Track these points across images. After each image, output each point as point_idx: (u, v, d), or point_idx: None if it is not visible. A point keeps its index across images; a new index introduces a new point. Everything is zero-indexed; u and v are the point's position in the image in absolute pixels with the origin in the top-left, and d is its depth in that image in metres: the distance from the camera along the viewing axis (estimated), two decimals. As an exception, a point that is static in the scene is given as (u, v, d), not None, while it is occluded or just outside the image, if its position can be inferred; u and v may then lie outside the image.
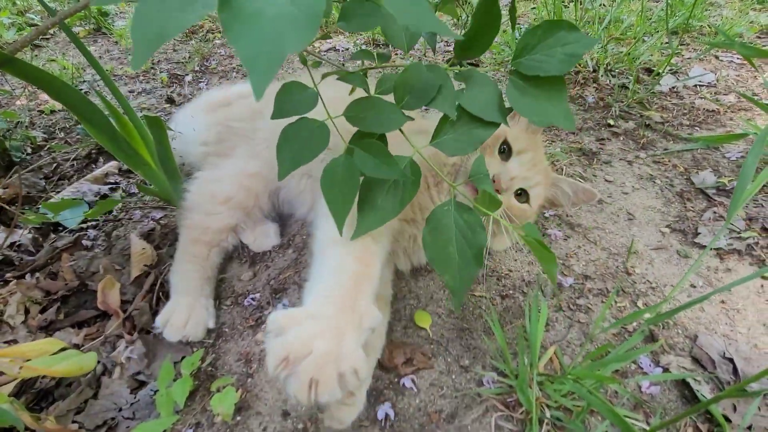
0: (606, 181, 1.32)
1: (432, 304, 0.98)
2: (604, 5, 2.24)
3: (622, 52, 1.94)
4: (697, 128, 1.51)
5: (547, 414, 0.72)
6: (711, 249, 1.01)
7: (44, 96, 2.26)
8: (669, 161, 1.38)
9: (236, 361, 0.96)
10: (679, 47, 2.02)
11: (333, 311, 0.65)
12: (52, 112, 2.10)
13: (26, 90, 2.32)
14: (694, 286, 0.99)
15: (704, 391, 0.76)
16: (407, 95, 0.78)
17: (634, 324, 0.90)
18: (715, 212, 1.15)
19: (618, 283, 0.99)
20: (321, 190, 0.72)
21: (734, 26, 2.07)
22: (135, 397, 0.91)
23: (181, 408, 0.85)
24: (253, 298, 1.10)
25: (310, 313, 0.64)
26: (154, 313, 1.03)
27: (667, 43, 1.94)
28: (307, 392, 0.57)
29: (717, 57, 1.98)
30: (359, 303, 0.69)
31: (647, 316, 0.91)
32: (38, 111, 2.15)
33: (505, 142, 0.95)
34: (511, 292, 0.99)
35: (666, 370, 0.80)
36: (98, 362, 0.96)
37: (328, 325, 0.62)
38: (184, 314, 1.00)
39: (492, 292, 0.99)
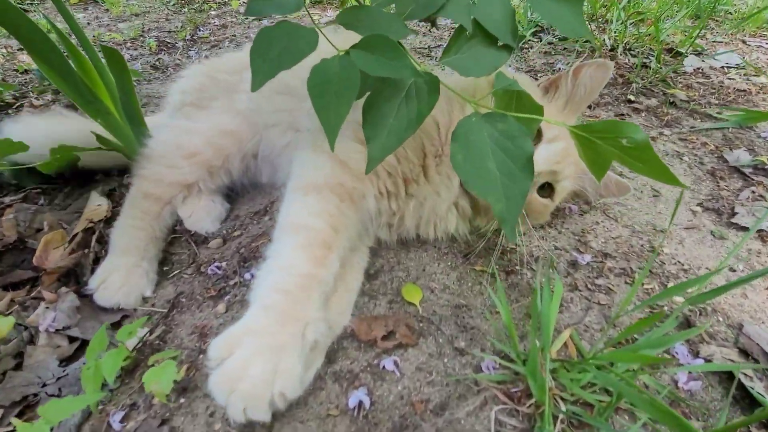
0: (627, 155, 1.17)
1: (424, 278, 0.83)
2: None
3: (641, 32, 1.79)
4: (726, 107, 1.36)
5: (562, 408, 0.57)
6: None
7: (23, 56, 2.12)
8: (697, 139, 1.23)
9: (189, 334, 0.81)
10: (704, 30, 1.88)
11: (274, 324, 0.61)
12: (26, 71, 1.95)
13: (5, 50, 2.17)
14: (734, 270, 0.84)
15: (759, 388, 0.61)
16: (412, 3, 0.64)
17: (666, 308, 0.74)
18: (753, 191, 1.00)
19: (646, 263, 0.84)
20: (309, 94, 0.58)
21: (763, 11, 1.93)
22: (64, 371, 0.76)
23: (112, 385, 0.70)
24: (218, 266, 0.95)
25: (248, 329, 0.61)
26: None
27: (693, 22, 1.79)
28: (241, 415, 0.56)
29: (744, 41, 1.84)
30: (305, 312, 0.63)
31: (679, 300, 0.76)
32: (13, 70, 2.01)
33: None
34: (517, 267, 0.84)
35: (708, 361, 0.65)
36: (25, 328, 0.81)
37: (266, 343, 0.59)
38: (121, 276, 0.85)
39: (495, 267, 0.84)
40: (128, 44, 2.39)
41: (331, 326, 0.69)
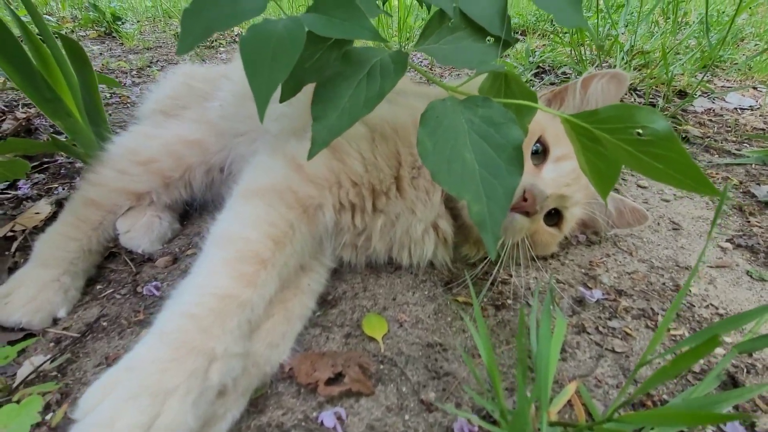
0: (639, 186, 1.03)
1: (393, 308, 0.67)
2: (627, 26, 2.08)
3: (645, 74, 1.73)
4: (746, 144, 1.24)
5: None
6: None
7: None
8: (717, 174, 1.10)
9: (96, 366, 0.64)
10: (711, 75, 1.82)
11: (166, 358, 0.45)
12: (13, 88, 1.93)
13: None
14: (783, 319, 0.67)
15: None
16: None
17: (702, 362, 0.57)
18: (792, 230, 0.85)
19: (673, 304, 0.67)
20: (240, 56, 0.46)
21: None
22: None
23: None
24: (156, 287, 0.80)
25: (131, 365, 0.46)
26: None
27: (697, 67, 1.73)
28: None
29: (755, 87, 1.77)
30: (212, 344, 0.48)
31: (720, 352, 0.59)
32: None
33: (541, 141, 0.69)
34: (509, 302, 0.68)
35: (768, 439, 0.47)
36: None
37: (147, 385, 0.43)
38: (31, 291, 0.71)
39: (483, 299, 0.68)
40: (134, 72, 2.41)
41: (257, 363, 0.53)
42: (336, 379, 0.54)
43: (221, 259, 0.55)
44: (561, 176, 0.67)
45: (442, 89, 0.55)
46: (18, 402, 0.50)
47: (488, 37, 0.60)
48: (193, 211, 1.05)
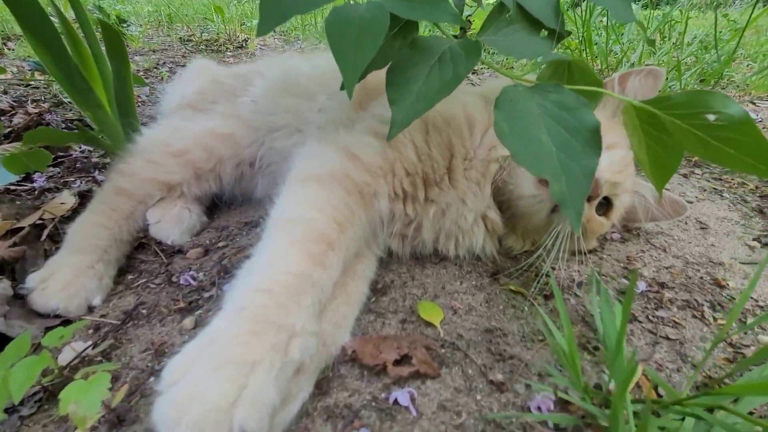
0: (662, 189, 1.06)
1: (444, 297, 0.67)
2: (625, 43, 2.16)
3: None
4: (755, 154, 1.30)
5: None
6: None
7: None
8: (732, 179, 1.14)
9: (142, 352, 0.63)
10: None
11: (247, 332, 0.45)
12: (28, 85, 1.91)
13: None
14: (819, 311, 0.69)
15: None
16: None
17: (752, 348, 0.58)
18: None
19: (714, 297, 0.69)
20: (329, 41, 0.47)
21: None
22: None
23: (23, 408, 0.51)
24: (192, 276, 0.79)
25: (212, 338, 0.45)
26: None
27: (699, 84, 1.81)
28: None
29: (754, 103, 1.84)
30: (291, 320, 0.47)
31: (765, 339, 0.60)
32: (17, 84, 1.97)
33: None
34: (556, 293, 0.69)
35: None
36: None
37: (232, 357, 0.43)
38: (67, 277, 0.70)
39: (531, 290, 0.69)
40: (141, 73, 2.40)
41: (325, 343, 0.53)
42: (401, 360, 0.54)
43: (288, 240, 0.54)
44: (613, 163, 0.69)
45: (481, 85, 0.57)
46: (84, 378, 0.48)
47: (543, 30, 0.62)
48: (222, 205, 1.04)
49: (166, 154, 0.92)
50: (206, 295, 0.75)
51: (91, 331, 0.68)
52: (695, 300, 0.68)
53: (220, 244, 0.91)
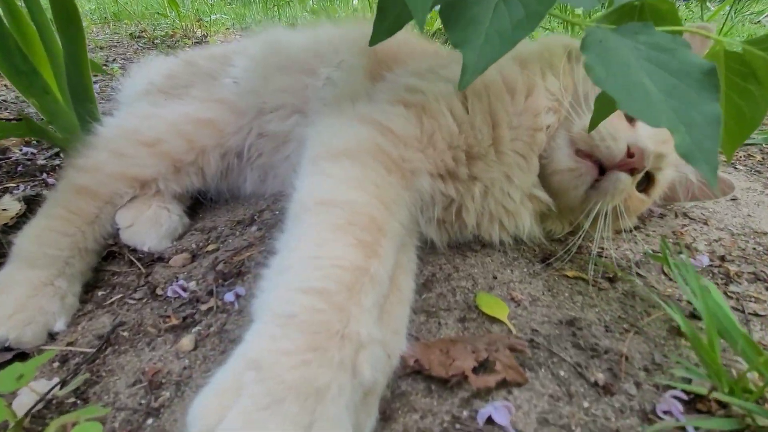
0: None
1: (499, 288, 0.58)
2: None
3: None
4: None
5: None
6: None
7: None
8: (737, 153, 1.13)
9: (130, 385, 0.48)
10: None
11: (301, 347, 0.33)
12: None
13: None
14: None
15: None
16: None
17: None
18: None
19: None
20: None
21: None
22: None
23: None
24: (182, 287, 0.64)
25: (252, 361, 0.32)
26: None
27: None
28: None
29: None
30: (354, 326, 0.36)
31: None
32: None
33: None
34: (620, 274, 0.61)
35: None
36: None
37: (288, 384, 0.31)
38: (19, 297, 0.55)
39: (591, 274, 0.61)
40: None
41: (390, 355, 0.41)
42: (481, 368, 0.43)
43: (329, 224, 0.42)
44: (657, 132, 0.62)
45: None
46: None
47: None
48: (206, 203, 0.89)
49: (137, 144, 0.77)
50: (203, 307, 0.61)
51: (56, 365, 0.53)
52: (762, 272, 0.63)
53: (210, 248, 0.76)
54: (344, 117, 0.61)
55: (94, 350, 0.54)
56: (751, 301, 0.56)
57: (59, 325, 0.58)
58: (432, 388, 0.43)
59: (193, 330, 0.57)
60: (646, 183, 0.66)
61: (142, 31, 2.74)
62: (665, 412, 0.38)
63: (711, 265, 0.65)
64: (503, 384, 0.42)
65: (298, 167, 0.56)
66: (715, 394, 0.36)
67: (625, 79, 0.39)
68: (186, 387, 0.48)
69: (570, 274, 0.60)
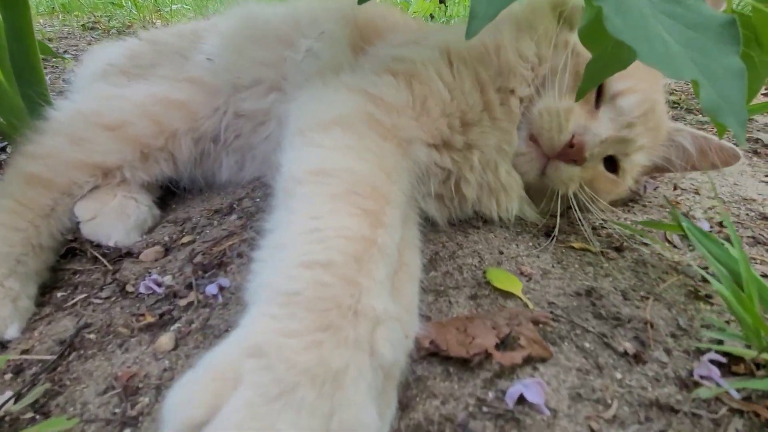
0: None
1: (507, 263, 0.54)
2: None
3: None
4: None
5: None
6: None
7: None
8: (711, 128, 1.16)
9: (101, 393, 0.42)
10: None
11: (310, 326, 0.28)
12: None
13: None
14: None
15: None
16: None
17: None
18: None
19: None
20: None
21: None
22: None
23: None
24: (156, 282, 0.58)
25: (252, 345, 0.27)
26: None
27: None
28: None
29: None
30: (367, 299, 0.31)
31: None
32: None
33: None
34: (626, 243, 0.59)
35: None
36: None
37: (298, 369, 0.26)
38: None
39: (596, 245, 0.58)
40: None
41: (407, 335, 0.37)
42: (503, 343, 0.39)
43: (327, 195, 0.38)
44: (621, 115, 0.58)
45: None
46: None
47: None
48: (179, 193, 0.82)
49: (98, 128, 0.69)
50: (182, 302, 0.55)
51: (8, 377, 0.45)
52: (761, 235, 0.63)
53: (185, 240, 0.69)
54: (330, 88, 0.56)
55: (55, 357, 0.47)
56: (756, 263, 0.56)
57: (11, 332, 0.50)
58: (450, 370, 0.39)
59: (172, 328, 0.51)
60: (614, 166, 0.63)
61: (96, 22, 2.57)
62: (703, 377, 0.35)
63: (711, 231, 0.64)
64: (528, 360, 0.39)
65: (282, 143, 0.51)
66: (733, 350, 0.35)
67: (644, 31, 0.36)
68: (167, 390, 0.42)
69: (576, 245, 0.58)
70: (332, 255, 0.32)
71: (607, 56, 0.47)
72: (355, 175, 0.40)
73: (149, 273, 0.61)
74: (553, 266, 0.54)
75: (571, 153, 0.54)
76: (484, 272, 0.51)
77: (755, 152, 0.98)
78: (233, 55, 0.77)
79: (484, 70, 0.57)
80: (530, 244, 0.59)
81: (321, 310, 0.28)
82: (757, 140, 1.04)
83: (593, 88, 0.57)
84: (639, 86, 0.61)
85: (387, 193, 0.40)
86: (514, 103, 0.58)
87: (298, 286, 0.30)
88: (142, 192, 0.74)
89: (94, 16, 2.67)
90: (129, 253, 0.67)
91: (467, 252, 0.56)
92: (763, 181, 0.84)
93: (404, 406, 0.37)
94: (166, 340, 0.48)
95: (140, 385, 0.43)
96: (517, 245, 0.58)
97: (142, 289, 0.57)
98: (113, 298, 0.57)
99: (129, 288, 0.59)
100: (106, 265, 0.64)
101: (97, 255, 0.65)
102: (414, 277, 0.44)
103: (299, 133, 0.49)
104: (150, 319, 0.52)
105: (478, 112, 0.56)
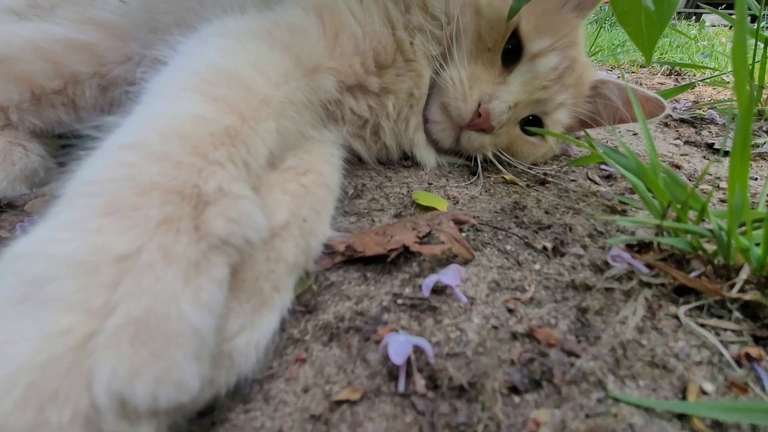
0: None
1: (436, 191, 0.53)
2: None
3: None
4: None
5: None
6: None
7: None
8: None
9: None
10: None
11: (96, 215, 0.24)
12: None
13: None
14: None
15: None
16: None
17: None
18: (710, 132, 1.00)
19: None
20: None
21: None
22: None
23: None
24: (33, 222, 0.49)
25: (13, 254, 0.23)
26: None
27: None
28: None
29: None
30: (190, 176, 0.27)
31: None
32: None
33: (517, 35, 0.57)
34: (550, 179, 0.60)
35: None
36: None
37: (62, 259, 0.22)
38: None
39: (522, 183, 0.58)
40: None
41: (303, 232, 0.33)
42: (426, 238, 0.37)
43: (184, 84, 0.34)
44: (536, 78, 0.58)
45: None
46: None
47: None
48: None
49: (-20, 63, 0.60)
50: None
51: None
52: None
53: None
54: (247, 16, 0.53)
55: None
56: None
57: None
58: (367, 275, 0.36)
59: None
60: (538, 125, 0.63)
61: None
62: (615, 259, 0.35)
63: (628, 173, 0.67)
64: (449, 260, 0.36)
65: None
66: (667, 223, 0.35)
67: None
68: None
69: (507, 177, 0.58)
70: (150, 136, 0.28)
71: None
72: (232, 76, 0.36)
73: (30, 216, 0.53)
74: (480, 194, 0.53)
75: (480, 122, 0.53)
76: (411, 197, 0.49)
77: (666, 125, 1.07)
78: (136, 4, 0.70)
79: (392, 5, 0.56)
80: (462, 179, 0.58)
81: (111, 192, 0.24)
82: (667, 116, 1.13)
83: (499, 49, 0.57)
84: (559, 43, 0.61)
85: (267, 95, 0.36)
86: (422, 39, 0.56)
87: (100, 175, 0.26)
88: (34, 141, 0.65)
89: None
90: (11, 205, 0.57)
91: (396, 183, 0.54)
92: (672, 144, 0.91)
93: (310, 310, 0.33)
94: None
95: None
96: (446, 179, 0.57)
97: (18, 232, 0.49)
98: None
99: (3, 234, 0.50)
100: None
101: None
102: (329, 186, 0.41)
103: (196, 37, 0.45)
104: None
105: (392, 52, 0.54)
